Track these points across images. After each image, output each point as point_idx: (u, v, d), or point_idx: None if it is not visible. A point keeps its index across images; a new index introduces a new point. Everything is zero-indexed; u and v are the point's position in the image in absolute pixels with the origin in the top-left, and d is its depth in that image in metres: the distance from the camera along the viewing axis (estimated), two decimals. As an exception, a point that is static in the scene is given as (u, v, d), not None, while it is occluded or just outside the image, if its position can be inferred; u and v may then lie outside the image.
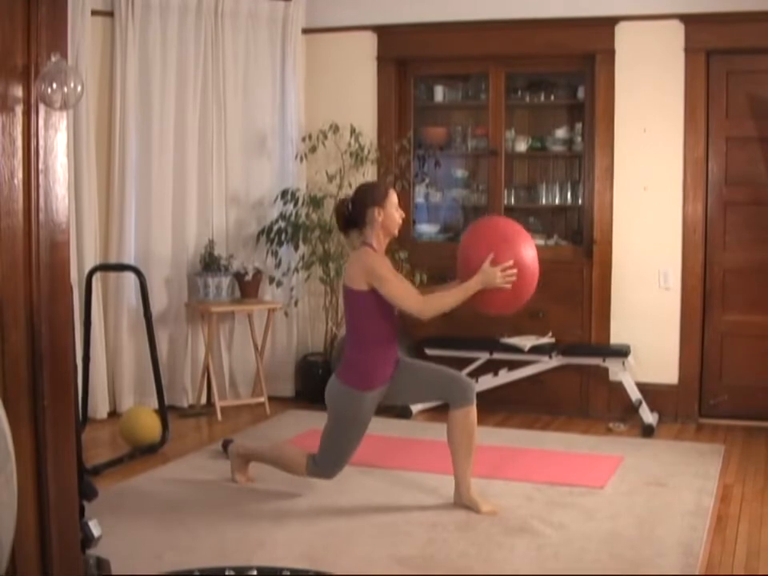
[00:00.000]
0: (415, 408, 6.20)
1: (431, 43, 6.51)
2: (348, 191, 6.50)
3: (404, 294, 4.20)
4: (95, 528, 3.19)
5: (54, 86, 2.51)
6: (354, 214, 4.34)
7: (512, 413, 6.31)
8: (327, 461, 4.42)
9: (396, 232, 4.39)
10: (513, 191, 6.70)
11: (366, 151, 6.53)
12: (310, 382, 6.62)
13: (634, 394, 5.99)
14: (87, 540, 3.15)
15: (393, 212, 4.33)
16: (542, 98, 6.63)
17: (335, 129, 6.54)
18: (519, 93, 6.68)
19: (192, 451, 5.42)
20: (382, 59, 6.65)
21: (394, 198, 4.36)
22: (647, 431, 5.84)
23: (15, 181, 2.52)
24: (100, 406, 6.08)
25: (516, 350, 6.14)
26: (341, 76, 6.74)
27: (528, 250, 4.33)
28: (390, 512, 4.39)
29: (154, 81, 6.24)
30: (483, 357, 6.27)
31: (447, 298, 4.28)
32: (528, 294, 4.38)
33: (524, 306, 4.49)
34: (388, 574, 3.68)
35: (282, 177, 6.69)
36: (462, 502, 4.41)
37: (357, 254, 4.33)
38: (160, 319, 6.24)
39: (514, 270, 4.21)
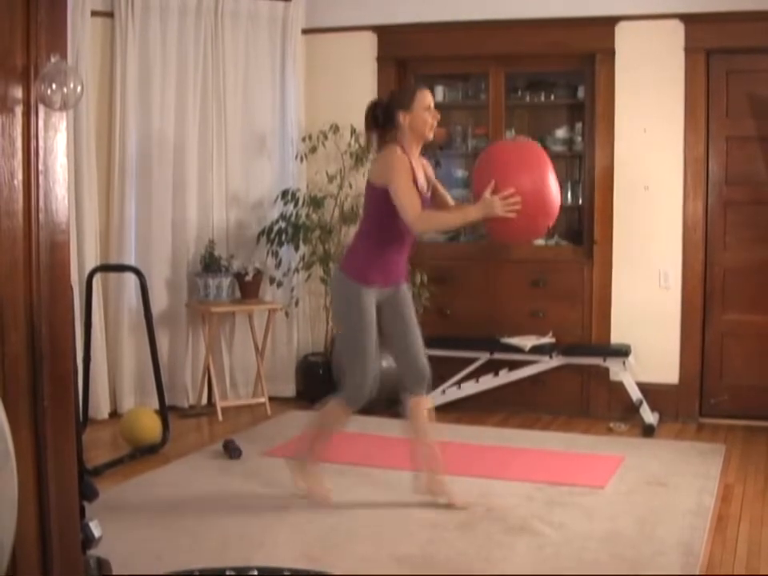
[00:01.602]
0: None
1: (431, 43, 6.51)
2: (348, 191, 6.53)
3: (405, 198, 4.08)
4: (96, 529, 3.19)
5: (54, 86, 2.51)
6: (384, 116, 4.30)
7: (512, 413, 6.31)
8: (353, 377, 4.29)
9: (429, 135, 4.29)
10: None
11: (366, 151, 6.52)
12: (311, 382, 6.62)
13: (635, 394, 6.00)
14: (88, 541, 3.15)
15: (421, 113, 4.24)
16: (542, 98, 6.63)
17: (335, 129, 6.54)
18: (519, 92, 6.68)
19: (193, 451, 5.42)
20: (382, 59, 6.65)
21: (424, 99, 4.25)
22: (648, 431, 5.84)
23: (15, 182, 2.52)
24: (101, 407, 6.08)
25: (516, 349, 6.14)
26: (341, 76, 6.74)
27: (536, 175, 4.14)
28: (389, 511, 4.39)
29: (153, 81, 6.24)
30: (484, 357, 6.27)
31: (444, 217, 4.25)
32: (543, 221, 4.20)
33: (542, 232, 4.38)
34: (388, 574, 3.68)
35: (283, 177, 6.69)
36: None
37: (384, 151, 4.29)
38: (160, 320, 6.25)
39: (517, 198, 4.04)
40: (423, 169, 4.39)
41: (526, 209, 4.07)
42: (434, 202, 4.38)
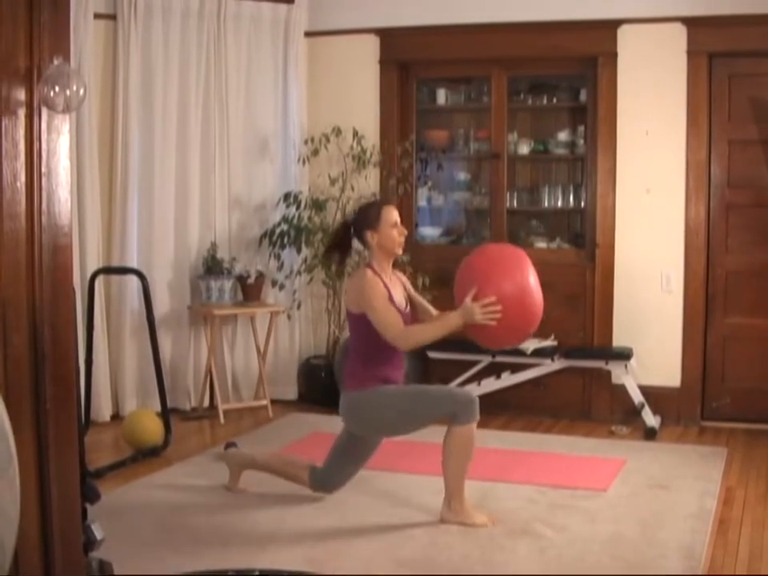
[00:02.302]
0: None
1: (433, 46, 6.51)
2: (350, 194, 6.52)
3: (385, 322, 4.09)
4: (98, 531, 3.19)
5: (57, 89, 2.51)
6: (350, 236, 4.33)
7: (514, 416, 6.31)
8: (456, 397, 4.21)
9: (398, 251, 4.28)
10: (515, 194, 6.70)
11: (368, 154, 6.53)
12: (313, 385, 6.62)
13: (637, 397, 5.99)
14: (90, 543, 3.15)
15: (388, 232, 4.23)
16: (545, 101, 6.63)
17: (338, 132, 6.55)
18: (521, 95, 6.68)
19: (195, 454, 5.42)
20: (384, 62, 6.65)
21: (390, 216, 4.25)
22: (650, 434, 5.84)
23: (18, 184, 2.52)
24: (103, 409, 6.08)
25: (518, 352, 6.13)
26: (343, 79, 6.74)
27: (518, 282, 4.10)
28: (391, 514, 4.39)
29: (156, 84, 6.24)
30: (486, 360, 6.26)
31: (426, 330, 4.18)
32: (524, 327, 4.17)
33: (523, 338, 4.35)
34: (390, 577, 3.68)
35: (285, 180, 6.69)
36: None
37: (355, 275, 4.31)
38: (163, 322, 6.24)
39: (497, 307, 4.02)
40: (401, 283, 4.38)
41: (507, 316, 4.04)
42: (415, 315, 4.36)
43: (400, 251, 4.32)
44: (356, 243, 4.44)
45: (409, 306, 4.35)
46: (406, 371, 4.47)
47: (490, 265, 4.22)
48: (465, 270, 4.28)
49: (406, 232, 4.33)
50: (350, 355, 4.38)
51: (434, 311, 4.43)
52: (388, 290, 4.21)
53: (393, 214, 4.27)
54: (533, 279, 4.17)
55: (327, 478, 4.45)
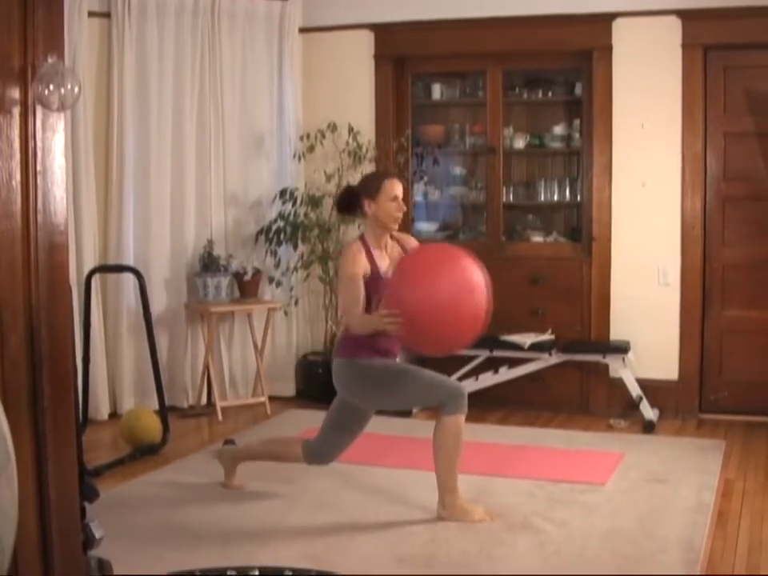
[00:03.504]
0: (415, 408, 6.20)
1: (428, 41, 6.51)
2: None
3: (344, 295, 4.11)
4: (97, 529, 3.19)
5: (51, 87, 2.50)
6: (352, 200, 4.27)
7: (512, 410, 6.31)
8: (447, 386, 4.21)
9: (392, 226, 4.23)
10: (511, 188, 6.70)
11: (364, 150, 6.53)
12: (311, 382, 6.62)
13: (635, 391, 6.00)
14: (89, 541, 3.14)
15: (386, 204, 4.18)
16: (540, 95, 6.63)
17: (333, 128, 6.54)
18: (517, 90, 6.68)
19: (193, 452, 5.42)
20: (379, 58, 6.65)
21: (391, 189, 4.19)
22: (648, 427, 5.84)
23: (13, 183, 2.51)
24: (100, 408, 6.08)
25: (516, 347, 6.14)
26: (338, 75, 6.74)
27: (420, 291, 3.87)
28: (391, 510, 4.39)
29: (151, 81, 6.24)
30: (483, 354, 6.26)
31: (359, 322, 4.07)
32: (446, 337, 3.96)
33: (460, 345, 4.15)
34: (390, 574, 3.68)
35: (281, 176, 6.69)
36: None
37: (345, 247, 4.28)
38: (160, 320, 6.24)
39: (396, 318, 3.86)
40: (393, 256, 4.27)
41: (416, 324, 3.88)
42: None
43: (395, 227, 4.26)
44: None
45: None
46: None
47: (400, 272, 4.05)
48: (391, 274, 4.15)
49: (404, 208, 4.28)
50: (344, 323, 4.32)
51: None
52: (373, 263, 4.15)
53: (394, 188, 4.21)
54: (453, 288, 3.91)
55: (321, 449, 4.38)
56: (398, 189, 4.23)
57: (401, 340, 4.15)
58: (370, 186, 4.23)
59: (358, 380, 4.23)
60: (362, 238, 4.26)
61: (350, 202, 4.32)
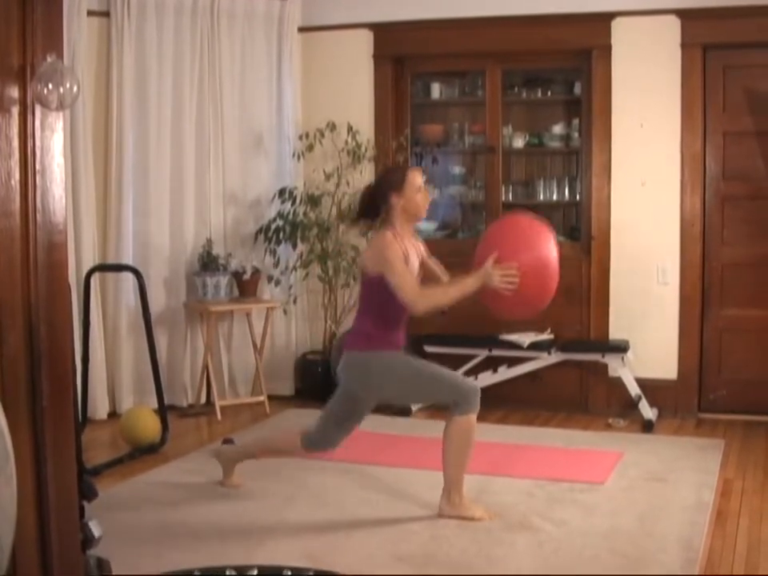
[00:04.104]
0: (415, 405, 6.20)
1: (428, 40, 6.51)
2: (345, 189, 6.52)
3: (404, 282, 4.04)
4: (95, 528, 3.19)
5: (50, 86, 2.50)
6: (377, 199, 4.25)
7: (511, 409, 6.31)
8: (451, 386, 4.21)
9: (421, 215, 4.28)
10: (510, 188, 6.70)
11: (363, 149, 6.53)
12: (310, 381, 6.62)
13: (634, 390, 6.00)
14: (88, 540, 3.15)
15: (413, 195, 4.19)
16: (539, 94, 6.63)
17: (332, 127, 6.54)
18: (516, 89, 6.68)
19: (192, 451, 5.42)
20: (378, 57, 6.65)
21: (415, 180, 4.21)
22: (647, 427, 5.84)
23: (12, 182, 2.51)
24: (99, 407, 6.08)
25: (515, 346, 6.14)
26: (337, 74, 6.74)
27: (540, 256, 4.11)
28: (390, 510, 4.39)
29: (150, 80, 6.24)
30: (482, 354, 6.27)
31: (444, 294, 4.14)
32: (536, 302, 4.20)
33: (533, 313, 4.34)
34: (389, 573, 3.68)
35: (280, 175, 6.69)
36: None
37: (375, 237, 4.25)
38: (159, 319, 6.24)
39: (516, 274, 4.02)
40: (416, 250, 4.33)
41: (523, 287, 4.04)
42: (426, 279, 4.31)
43: (424, 215, 4.32)
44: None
45: (421, 274, 4.29)
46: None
47: (517, 234, 4.23)
48: (489, 236, 4.32)
49: (429, 197, 4.33)
50: (357, 318, 4.31)
51: (446, 277, 4.40)
52: (406, 253, 4.17)
53: (418, 178, 4.24)
54: (555, 258, 4.17)
55: (320, 440, 4.34)
56: (420, 178, 4.26)
57: (491, 300, 4.16)
58: (395, 180, 4.23)
59: (384, 373, 4.21)
60: (391, 229, 4.20)
61: (374, 202, 4.29)
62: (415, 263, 4.24)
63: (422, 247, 4.43)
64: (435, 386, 4.23)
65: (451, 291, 4.15)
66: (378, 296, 4.15)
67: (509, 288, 4.04)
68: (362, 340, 4.22)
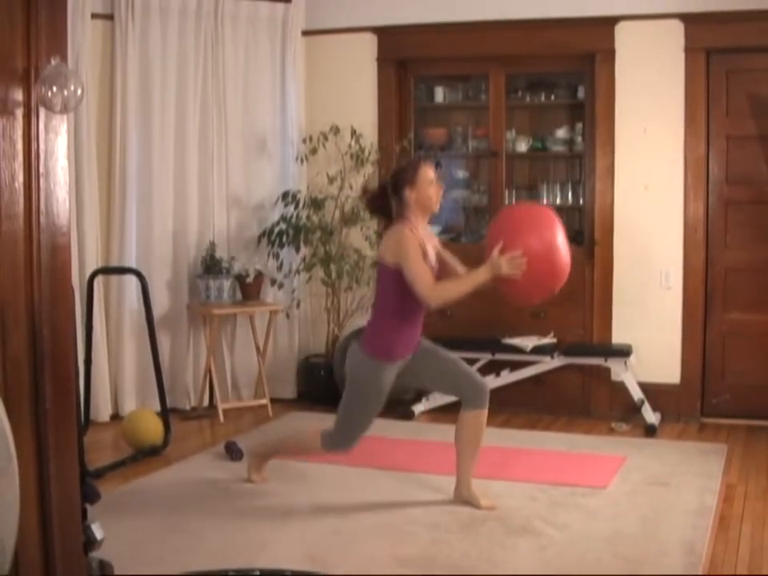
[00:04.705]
0: (418, 409, 6.20)
1: (431, 44, 6.51)
2: (349, 192, 6.52)
3: (419, 275, 4.13)
4: (98, 531, 3.19)
5: (54, 89, 2.51)
6: (391, 194, 4.34)
7: (514, 413, 6.31)
8: (343, 432, 4.41)
9: (435, 207, 4.36)
10: (514, 192, 6.69)
11: (366, 153, 6.53)
12: (312, 384, 6.62)
13: (636, 394, 5.99)
14: (90, 543, 3.14)
15: (426, 188, 4.29)
16: (543, 99, 6.64)
17: (336, 130, 6.55)
18: (519, 93, 6.68)
19: (194, 453, 5.42)
20: (382, 60, 6.65)
21: (427, 174, 4.30)
22: (650, 431, 5.84)
23: (16, 184, 2.52)
24: (102, 409, 6.08)
25: (518, 350, 6.14)
26: (341, 77, 6.74)
27: (545, 238, 4.19)
28: (392, 513, 4.39)
29: (154, 84, 6.24)
30: (485, 357, 6.26)
31: (457, 286, 4.23)
32: (550, 282, 4.27)
33: (551, 294, 4.39)
34: (390, 575, 3.68)
35: (283, 179, 6.69)
36: (462, 498, 4.46)
37: (393, 229, 4.31)
38: (162, 322, 6.25)
39: (523, 259, 4.12)
40: (432, 242, 4.42)
41: (533, 270, 4.14)
42: (443, 272, 4.41)
43: (437, 208, 4.39)
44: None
45: (437, 264, 4.38)
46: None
47: (518, 221, 4.34)
48: (494, 226, 4.39)
49: (442, 189, 4.41)
50: (373, 315, 4.43)
51: (461, 269, 4.47)
52: (423, 247, 4.24)
53: (430, 172, 4.33)
54: (560, 237, 4.25)
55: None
56: (432, 172, 4.35)
57: (507, 288, 4.26)
58: (408, 175, 4.32)
59: (367, 379, 4.34)
60: (407, 222, 4.28)
61: (387, 198, 4.38)
62: (432, 257, 4.33)
63: (436, 240, 4.52)
64: (350, 414, 4.39)
65: (463, 284, 4.24)
66: (395, 288, 4.24)
67: (518, 273, 4.13)
68: (373, 342, 4.32)
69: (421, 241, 4.25)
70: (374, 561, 3.82)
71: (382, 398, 4.37)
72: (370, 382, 4.32)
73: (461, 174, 6.94)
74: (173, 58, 6.30)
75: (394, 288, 4.24)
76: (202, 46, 6.39)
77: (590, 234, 6.37)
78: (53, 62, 2.55)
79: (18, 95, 2.51)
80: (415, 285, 4.14)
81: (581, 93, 6.47)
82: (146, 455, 5.31)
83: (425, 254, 4.23)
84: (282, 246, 6.49)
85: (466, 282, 4.24)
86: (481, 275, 4.19)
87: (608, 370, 6.21)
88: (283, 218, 6.49)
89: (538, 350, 6.14)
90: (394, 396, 4.66)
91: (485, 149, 6.70)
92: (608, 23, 6.15)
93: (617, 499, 4.57)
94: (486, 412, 4.43)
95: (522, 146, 6.64)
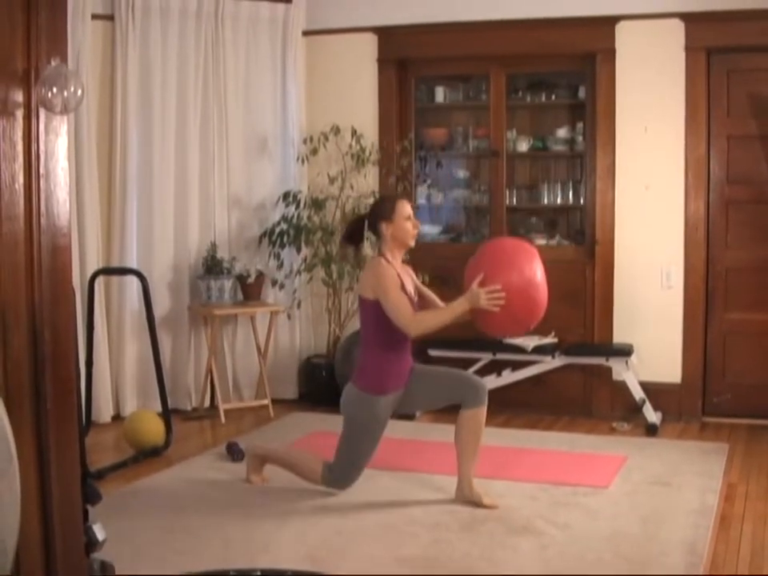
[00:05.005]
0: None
1: (432, 44, 6.52)
2: (349, 193, 6.53)
3: (396, 306, 4.25)
4: (99, 532, 3.19)
5: (55, 90, 2.51)
6: (367, 227, 4.48)
7: (515, 413, 6.31)
8: (342, 470, 4.52)
9: (410, 243, 4.46)
10: (514, 191, 6.70)
11: (367, 153, 6.53)
12: (314, 384, 6.62)
13: (638, 394, 5.99)
14: (91, 544, 3.14)
15: (402, 224, 4.40)
16: (543, 98, 6.64)
17: (336, 130, 6.55)
18: (520, 93, 6.68)
19: (196, 454, 5.42)
20: (382, 61, 6.65)
21: (403, 209, 4.42)
22: (651, 430, 5.84)
23: (16, 185, 2.52)
24: (103, 410, 6.08)
25: (519, 350, 6.14)
26: (342, 78, 6.74)
27: (525, 274, 4.27)
28: (393, 513, 4.39)
29: (154, 84, 6.24)
30: (486, 357, 6.27)
31: (436, 317, 4.35)
32: (527, 318, 4.34)
33: (526, 329, 4.47)
34: (391, 575, 3.68)
35: (284, 179, 6.69)
36: (464, 498, 4.46)
37: (369, 264, 4.44)
38: (163, 322, 6.25)
39: (501, 294, 4.19)
40: (409, 274, 4.55)
41: (511, 305, 4.22)
42: (422, 304, 4.52)
43: (413, 243, 4.49)
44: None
45: (416, 296, 4.50)
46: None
47: (499, 255, 4.40)
48: (476, 259, 4.44)
49: (419, 225, 4.52)
50: (362, 351, 4.52)
51: (440, 303, 4.59)
52: (401, 279, 4.35)
53: (407, 208, 4.45)
54: (539, 274, 4.32)
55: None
56: (409, 208, 4.47)
57: (483, 320, 4.33)
58: (385, 210, 4.45)
59: (362, 414, 4.45)
60: (383, 256, 4.41)
61: (360, 229, 4.53)
62: (411, 288, 4.45)
63: (413, 274, 4.64)
64: (350, 450, 4.49)
65: (442, 314, 4.36)
66: (377, 321, 4.35)
67: (495, 307, 4.21)
68: (365, 379, 4.43)
69: (398, 272, 4.37)
70: (375, 561, 3.82)
71: (377, 433, 4.47)
72: (366, 417, 4.42)
73: (461, 173, 6.95)
74: (173, 59, 6.30)
75: (376, 321, 4.34)
76: (202, 47, 6.39)
77: (591, 234, 6.37)
78: (53, 63, 2.55)
79: (18, 96, 2.51)
80: (394, 315, 4.25)
81: (581, 92, 6.47)
82: (148, 456, 5.31)
83: (403, 285, 4.34)
84: (282, 246, 6.49)
85: (445, 312, 4.34)
86: (459, 306, 4.28)
87: (609, 370, 6.21)
88: (284, 219, 6.49)
89: (539, 350, 6.14)
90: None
91: (485, 149, 6.70)
92: (608, 23, 6.15)
93: (618, 499, 4.57)
94: (484, 409, 4.43)
95: (523, 146, 6.64)
